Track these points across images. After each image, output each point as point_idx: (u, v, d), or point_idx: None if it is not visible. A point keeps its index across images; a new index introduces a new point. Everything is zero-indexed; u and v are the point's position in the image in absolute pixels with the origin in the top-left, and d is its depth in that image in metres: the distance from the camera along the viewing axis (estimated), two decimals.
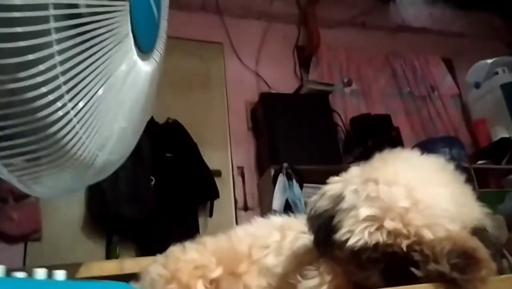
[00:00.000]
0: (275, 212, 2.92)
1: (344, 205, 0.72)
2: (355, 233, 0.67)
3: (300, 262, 0.83)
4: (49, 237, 2.85)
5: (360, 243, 0.67)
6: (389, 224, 0.65)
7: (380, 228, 0.66)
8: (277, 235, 1.01)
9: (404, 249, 0.65)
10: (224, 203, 3.23)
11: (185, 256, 0.99)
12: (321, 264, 0.75)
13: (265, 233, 1.06)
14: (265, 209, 3.11)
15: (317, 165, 3.09)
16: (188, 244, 1.05)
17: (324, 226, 0.75)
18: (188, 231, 2.95)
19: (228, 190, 3.32)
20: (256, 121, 3.60)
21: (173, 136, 3.19)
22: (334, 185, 0.80)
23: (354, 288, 0.71)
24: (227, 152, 3.46)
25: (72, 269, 1.17)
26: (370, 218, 0.67)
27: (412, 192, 0.68)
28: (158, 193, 2.96)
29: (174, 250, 1.04)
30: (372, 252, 0.67)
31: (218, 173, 3.28)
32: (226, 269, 0.97)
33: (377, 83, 4.28)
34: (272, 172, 3.11)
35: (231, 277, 0.98)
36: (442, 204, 0.68)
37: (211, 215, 3.12)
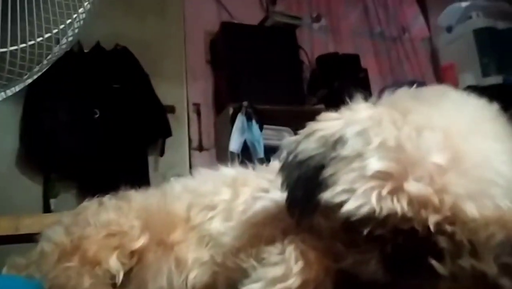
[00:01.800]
0: (232, 153, 2.77)
1: (344, 151, 0.53)
2: (357, 194, 0.49)
3: (257, 235, 0.65)
4: None
5: (363, 210, 0.48)
6: (412, 187, 0.47)
7: (397, 191, 0.48)
8: (227, 193, 0.80)
9: (431, 227, 0.47)
10: (177, 142, 3.06)
11: (98, 217, 0.74)
12: (289, 243, 0.56)
13: (210, 189, 0.82)
14: (221, 150, 3.05)
15: (280, 105, 3.01)
16: (107, 200, 0.79)
17: (307, 179, 0.56)
18: (136, 170, 2.81)
19: (182, 128, 3.15)
20: (215, 54, 3.38)
21: (122, 65, 2.94)
22: (329, 123, 0.58)
23: (338, 281, 0.55)
24: (183, 87, 3.26)
25: None
26: (383, 175, 0.48)
27: (453, 141, 0.49)
28: (102, 127, 2.75)
29: (86, 206, 0.79)
30: (377, 227, 0.49)
31: (172, 109, 3.09)
32: (153, 236, 0.78)
33: (347, 20, 4.08)
34: (231, 110, 2.98)
35: (160, 247, 0.77)
36: (495, 165, 0.49)
37: (162, 154, 2.96)
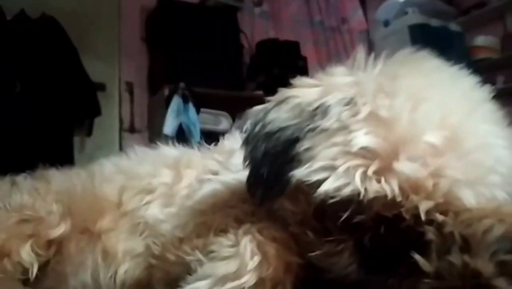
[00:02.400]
0: (166, 136, 2.65)
1: (325, 122, 0.46)
2: (338, 172, 0.42)
3: (204, 224, 0.56)
4: None
5: (345, 191, 0.42)
6: (403, 167, 0.41)
7: (385, 171, 0.42)
8: (168, 175, 0.70)
9: (422, 216, 0.41)
10: (107, 122, 2.95)
11: (9, 199, 0.61)
12: (243, 234, 0.48)
13: (148, 170, 0.72)
14: (154, 133, 2.94)
15: (218, 88, 2.94)
16: (21, 179, 0.66)
17: (276, 154, 0.48)
18: (59, 150, 2.64)
19: (112, 108, 3.04)
20: (152, 32, 3.26)
21: (48, 37, 2.75)
22: (305, 90, 0.51)
23: (300, 279, 0.47)
24: (115, 64, 3.13)
25: None
26: (371, 152, 0.42)
27: (451, 120, 0.44)
28: (23, 101, 2.54)
29: None
30: (357, 212, 0.43)
31: (102, 87, 2.95)
32: (76, 224, 0.69)
33: (289, 7, 4.08)
34: (166, 91, 2.90)
35: (84, 236, 0.65)
36: (495, 150, 0.44)
37: (89, 134, 2.82)
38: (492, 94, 0.51)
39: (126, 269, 0.64)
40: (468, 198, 0.42)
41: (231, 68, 3.25)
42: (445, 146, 0.43)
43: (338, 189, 0.43)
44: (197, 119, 2.88)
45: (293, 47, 3.65)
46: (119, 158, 0.79)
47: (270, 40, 3.63)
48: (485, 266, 0.39)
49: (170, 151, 0.78)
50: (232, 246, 0.48)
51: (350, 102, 0.47)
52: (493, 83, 3.34)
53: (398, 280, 0.43)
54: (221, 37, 3.24)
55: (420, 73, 0.49)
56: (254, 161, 0.51)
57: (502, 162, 0.45)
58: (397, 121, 0.44)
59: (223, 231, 0.51)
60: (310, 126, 0.47)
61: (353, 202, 0.43)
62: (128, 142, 2.93)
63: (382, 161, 0.42)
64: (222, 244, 0.49)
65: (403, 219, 0.42)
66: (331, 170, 0.43)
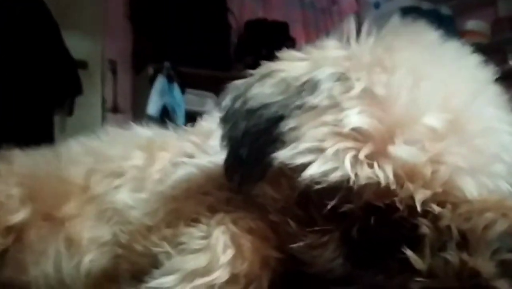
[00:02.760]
0: (150, 117, 2.59)
1: (314, 98, 0.42)
2: (327, 155, 0.39)
3: (175, 212, 0.51)
4: None
5: (333, 176, 0.39)
6: (399, 151, 0.38)
7: (379, 155, 0.38)
8: (140, 157, 0.65)
9: (418, 206, 0.37)
10: (89, 102, 2.88)
11: None
12: (216, 225, 0.44)
13: (119, 152, 0.67)
14: (138, 113, 2.90)
15: (204, 69, 2.90)
16: None
17: (257, 133, 0.44)
18: (39, 130, 2.53)
19: (95, 87, 2.97)
20: (137, 8, 3.17)
21: (27, 11, 2.64)
22: (292, 64, 0.47)
23: (278, 275, 0.43)
24: (98, 41, 3.06)
25: None
26: (364, 133, 0.39)
27: (455, 102, 0.40)
28: None
29: None
30: (346, 201, 0.40)
31: (84, 65, 2.87)
32: (38, 209, 0.64)
33: None
34: (151, 70, 2.86)
35: (46, 223, 0.64)
36: (501, 137, 0.41)
37: (70, 114, 2.73)
38: (496, 76, 0.47)
39: (92, 258, 0.59)
40: (470, 188, 0.38)
41: (218, 48, 3.20)
42: (447, 129, 0.39)
43: (326, 173, 0.39)
44: (182, 100, 2.85)
45: (282, 27, 3.61)
46: (88, 139, 0.73)
47: (258, 20, 3.59)
48: (485, 265, 0.36)
49: (143, 132, 0.73)
50: (203, 237, 0.44)
51: (342, 77, 0.43)
52: None
53: (387, 277, 0.39)
54: (209, 16, 3.19)
55: (420, 46, 0.45)
56: (233, 141, 0.47)
57: (508, 150, 0.41)
58: (394, 100, 0.40)
59: (194, 221, 0.46)
60: (297, 103, 0.43)
61: (341, 188, 0.39)
62: (111, 123, 2.87)
63: (375, 144, 0.38)
64: (193, 235, 0.44)
65: (396, 210, 0.39)
66: (319, 152, 0.39)
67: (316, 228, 0.42)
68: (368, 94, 0.41)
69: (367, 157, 0.38)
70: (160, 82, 2.78)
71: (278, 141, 0.42)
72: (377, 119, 0.39)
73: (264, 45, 3.23)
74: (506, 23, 3.45)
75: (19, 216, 0.60)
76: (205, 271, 0.41)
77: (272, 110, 0.44)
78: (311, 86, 0.44)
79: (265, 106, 0.45)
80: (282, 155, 0.41)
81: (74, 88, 2.70)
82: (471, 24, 3.71)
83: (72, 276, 0.60)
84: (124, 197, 0.61)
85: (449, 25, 3.83)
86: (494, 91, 0.46)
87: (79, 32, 2.89)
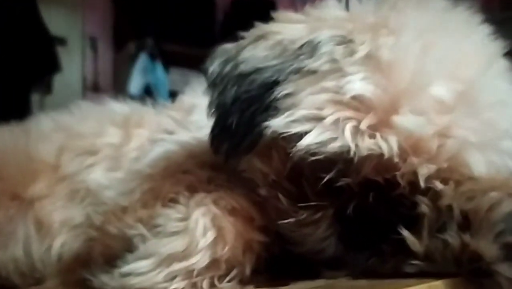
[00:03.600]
0: (131, 96, 2.52)
1: (313, 62, 0.39)
2: (325, 124, 0.37)
3: (152, 192, 0.47)
4: None
5: (332, 147, 0.36)
6: (404, 122, 0.35)
7: (381, 126, 0.36)
8: (116, 134, 0.62)
9: (421, 182, 0.35)
10: (69, 79, 2.80)
11: None
12: (196, 206, 0.41)
13: (93, 128, 0.63)
14: (120, 92, 2.71)
15: (188, 45, 2.80)
16: None
17: (249, 100, 0.42)
18: (16, 109, 2.44)
19: (74, 64, 2.89)
20: None
21: None
22: (289, 25, 0.44)
23: (262, 260, 0.40)
24: (77, 17, 2.96)
25: None
26: (366, 103, 0.36)
27: (466, 72, 0.37)
28: None
29: None
30: (343, 174, 0.37)
31: (62, 41, 2.79)
32: (6, 188, 0.60)
33: None
34: (133, 47, 2.80)
35: (14, 204, 0.60)
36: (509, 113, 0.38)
37: (48, 92, 2.68)
38: (506, 50, 0.44)
39: (63, 241, 0.56)
40: (478, 164, 0.36)
41: (204, 26, 3.11)
42: (456, 101, 0.37)
43: (323, 143, 0.36)
44: (165, 79, 2.81)
45: (269, 5, 3.52)
46: (59, 114, 0.69)
47: None
48: (487, 248, 0.33)
49: (119, 108, 0.69)
50: (182, 219, 0.40)
51: (344, 40, 0.40)
52: None
53: (380, 260, 0.37)
54: None
55: (429, 10, 0.42)
56: (221, 108, 0.44)
57: None
58: (401, 66, 0.37)
59: (172, 201, 0.43)
60: (294, 67, 0.40)
61: (339, 161, 0.37)
62: (91, 101, 2.82)
63: (379, 114, 0.36)
64: (170, 216, 0.41)
65: (396, 186, 0.36)
66: (317, 121, 0.37)
67: (308, 204, 0.39)
68: (372, 59, 0.38)
69: (369, 127, 0.36)
70: (142, 60, 2.73)
71: (271, 109, 0.40)
72: (382, 87, 0.36)
73: (250, 23, 3.25)
74: (496, 3, 3.45)
75: None
76: (183, 255, 0.38)
77: (265, 75, 0.42)
78: (310, 49, 0.41)
79: (258, 70, 0.42)
80: (276, 123, 0.39)
81: (52, 65, 2.61)
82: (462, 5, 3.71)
83: (43, 260, 0.56)
84: (97, 176, 0.57)
85: None
86: (505, 65, 0.43)
87: (57, 7, 2.81)
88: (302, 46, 0.42)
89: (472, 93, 0.38)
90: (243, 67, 0.43)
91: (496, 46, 0.44)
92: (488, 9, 3.46)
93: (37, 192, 0.58)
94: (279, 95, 0.40)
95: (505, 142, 0.38)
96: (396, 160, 0.36)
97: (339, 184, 0.38)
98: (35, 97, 2.62)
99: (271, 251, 0.41)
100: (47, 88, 2.64)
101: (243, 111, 0.42)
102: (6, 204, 0.57)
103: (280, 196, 0.41)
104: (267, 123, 0.39)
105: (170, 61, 2.83)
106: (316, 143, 0.37)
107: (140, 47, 2.75)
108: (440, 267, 0.35)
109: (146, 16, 2.85)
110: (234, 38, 0.48)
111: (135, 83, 2.67)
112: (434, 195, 0.36)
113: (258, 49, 0.44)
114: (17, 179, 0.59)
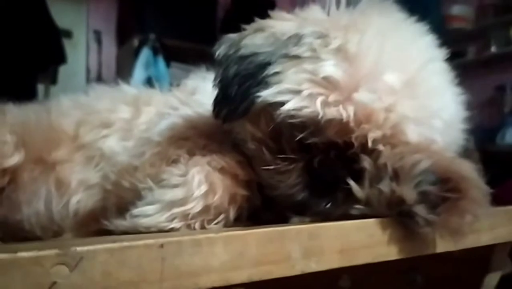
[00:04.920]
0: None
1: (298, 49, 0.50)
2: (302, 95, 0.46)
3: (159, 154, 0.57)
4: None
5: (305, 111, 0.46)
6: (361, 98, 0.45)
7: (344, 100, 0.46)
8: (127, 111, 0.71)
9: (369, 143, 0.45)
10: (73, 71, 2.88)
11: None
12: (193, 165, 0.50)
13: (107, 106, 0.71)
14: None
15: (189, 41, 2.91)
16: None
17: (246, 76, 0.52)
18: (22, 97, 2.45)
19: (79, 56, 2.99)
20: None
21: None
22: (282, 22, 0.54)
23: (244, 208, 0.50)
24: (82, 10, 3.05)
25: None
26: (334, 82, 0.46)
27: (411, 66, 0.48)
28: None
29: None
30: (312, 134, 0.47)
31: (68, 34, 2.88)
32: (31, 154, 0.66)
33: None
34: (136, 42, 2.85)
35: (38, 166, 0.67)
36: (444, 98, 0.50)
37: (54, 82, 2.71)
38: (446, 56, 0.54)
39: (79, 199, 0.64)
40: (412, 133, 0.46)
41: (205, 22, 3.19)
42: (401, 86, 0.47)
43: (299, 110, 0.46)
44: (167, 73, 2.85)
45: (269, 4, 3.51)
46: (77, 95, 0.78)
47: None
48: (408, 193, 0.43)
49: (130, 89, 0.77)
50: (182, 175, 0.49)
51: (322, 35, 0.50)
52: (464, 53, 3.39)
53: (334, 205, 0.46)
54: None
55: (389, 18, 0.53)
56: (224, 81, 0.54)
57: (447, 111, 0.49)
58: (363, 58, 0.47)
59: (175, 162, 0.52)
60: (283, 52, 0.50)
61: (310, 124, 0.46)
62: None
63: (343, 92, 0.46)
64: (172, 173, 0.50)
65: (351, 146, 0.46)
66: (296, 93, 0.47)
67: (285, 156, 0.49)
68: (342, 51, 0.47)
69: (335, 101, 0.45)
70: (144, 54, 2.76)
71: (263, 83, 0.49)
72: (347, 72, 0.46)
73: (250, 20, 3.29)
74: (490, 9, 3.50)
75: (13, 160, 0.63)
76: (182, 202, 0.47)
77: (260, 58, 0.51)
78: (295, 40, 0.51)
79: (255, 54, 0.52)
80: (266, 94, 0.48)
81: (58, 57, 2.66)
82: (456, 9, 3.73)
83: (61, 214, 0.64)
84: (112, 144, 0.66)
85: (435, 8, 3.85)
86: (444, 66, 0.53)
87: (63, 1, 2.85)
88: (290, 37, 0.51)
89: (414, 82, 0.48)
90: (243, 51, 0.53)
91: (437, 52, 0.54)
92: (482, 14, 3.52)
93: (58, 157, 0.66)
94: (270, 73, 0.49)
95: (435, 120, 0.48)
96: (352, 124, 0.45)
97: (308, 141, 0.47)
98: (40, 87, 2.66)
99: (252, 202, 0.50)
100: (52, 79, 2.69)
101: (241, 85, 0.51)
102: (31, 167, 0.65)
103: (264, 149, 0.50)
104: (259, 94, 0.49)
105: (171, 56, 2.88)
106: (294, 109, 0.46)
107: (143, 42, 2.79)
108: (376, 211, 0.45)
109: (149, 12, 2.91)
110: (237, 30, 0.57)
111: (137, 76, 2.70)
112: (375, 155, 0.46)
113: (256, 38, 0.54)
114: (41, 145, 0.66)
